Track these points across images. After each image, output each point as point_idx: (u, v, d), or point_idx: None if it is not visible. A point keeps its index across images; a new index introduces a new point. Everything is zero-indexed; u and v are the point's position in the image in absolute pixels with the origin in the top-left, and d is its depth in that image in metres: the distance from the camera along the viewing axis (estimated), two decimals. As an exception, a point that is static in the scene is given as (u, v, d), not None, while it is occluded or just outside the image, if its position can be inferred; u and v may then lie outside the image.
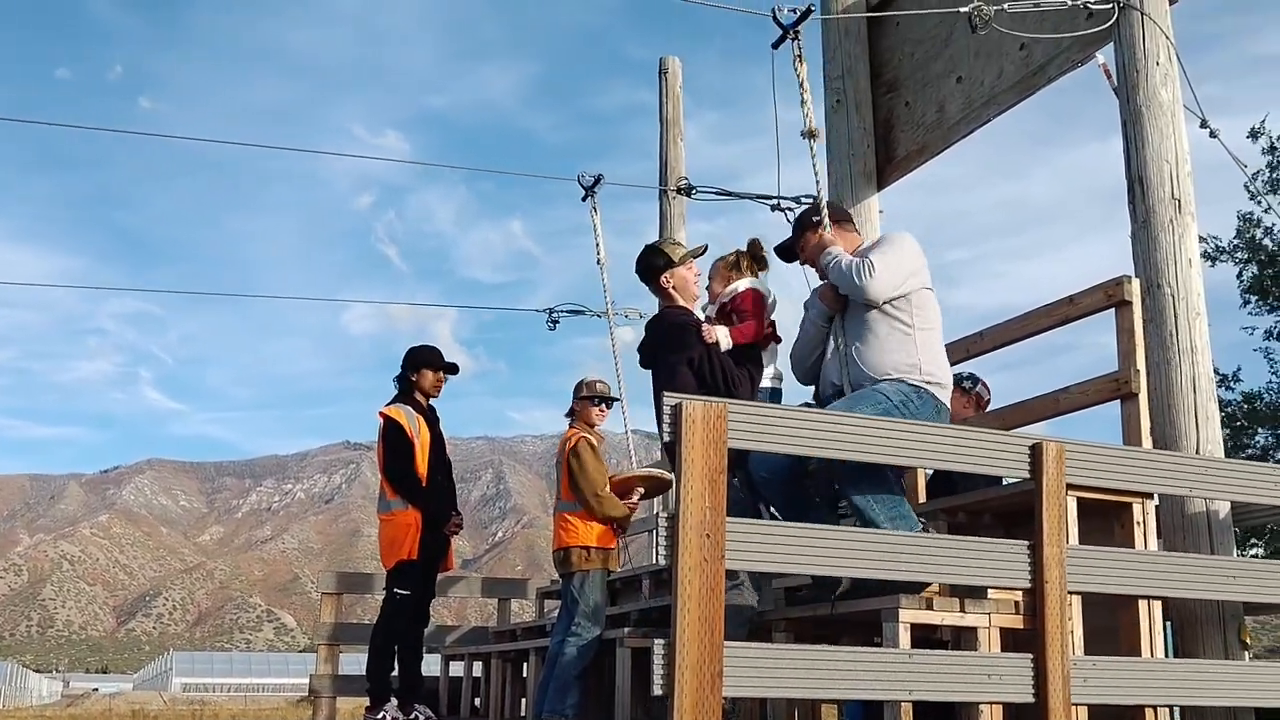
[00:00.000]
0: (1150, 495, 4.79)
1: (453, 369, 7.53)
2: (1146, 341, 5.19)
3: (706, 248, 5.61)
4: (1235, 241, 21.84)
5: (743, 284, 5.50)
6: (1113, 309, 5.42)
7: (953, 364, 6.64)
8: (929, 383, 4.77)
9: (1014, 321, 6.09)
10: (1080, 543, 4.33)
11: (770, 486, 4.89)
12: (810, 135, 5.24)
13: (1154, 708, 4.33)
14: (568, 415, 6.97)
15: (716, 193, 8.74)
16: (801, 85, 5.19)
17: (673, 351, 5.29)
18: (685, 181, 9.13)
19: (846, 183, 7.40)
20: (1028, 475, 4.19)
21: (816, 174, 5.31)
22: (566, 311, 9.87)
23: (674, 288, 5.49)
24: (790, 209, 7.95)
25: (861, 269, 4.83)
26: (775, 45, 5.30)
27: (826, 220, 5.14)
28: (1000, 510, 5.13)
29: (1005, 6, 5.81)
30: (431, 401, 7.50)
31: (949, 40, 6.94)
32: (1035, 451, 4.17)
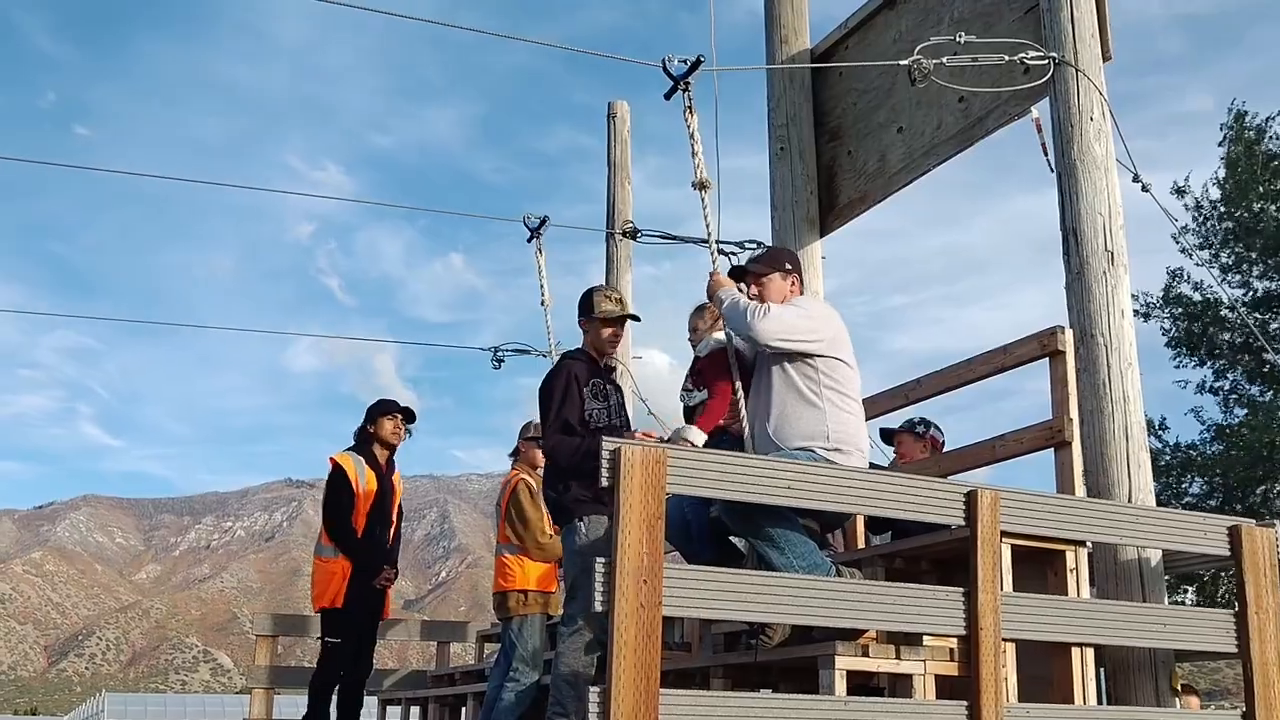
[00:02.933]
0: (1083, 543, 4.85)
1: (409, 415, 7.59)
2: (1080, 391, 5.26)
3: (635, 317, 5.52)
4: (1162, 297, 22.33)
5: (713, 339, 5.32)
6: (1047, 358, 5.51)
7: (892, 410, 6.73)
8: (838, 449, 4.70)
9: (951, 369, 6.17)
10: (1014, 589, 4.37)
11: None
12: (700, 186, 5.23)
13: (1086, 754, 4.37)
14: (511, 455, 6.93)
15: (662, 236, 8.77)
16: (692, 136, 5.19)
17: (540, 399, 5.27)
18: (630, 225, 9.16)
19: (790, 229, 7.47)
20: (963, 522, 4.23)
21: (708, 225, 5.28)
22: (511, 351, 9.87)
23: (586, 333, 5.41)
24: (733, 253, 8.00)
25: (756, 309, 4.77)
26: (667, 96, 5.27)
27: (718, 269, 5.08)
28: (937, 557, 5.16)
29: (945, 60, 5.93)
30: (395, 454, 7.56)
31: (891, 91, 7.06)
32: (970, 499, 4.21)
